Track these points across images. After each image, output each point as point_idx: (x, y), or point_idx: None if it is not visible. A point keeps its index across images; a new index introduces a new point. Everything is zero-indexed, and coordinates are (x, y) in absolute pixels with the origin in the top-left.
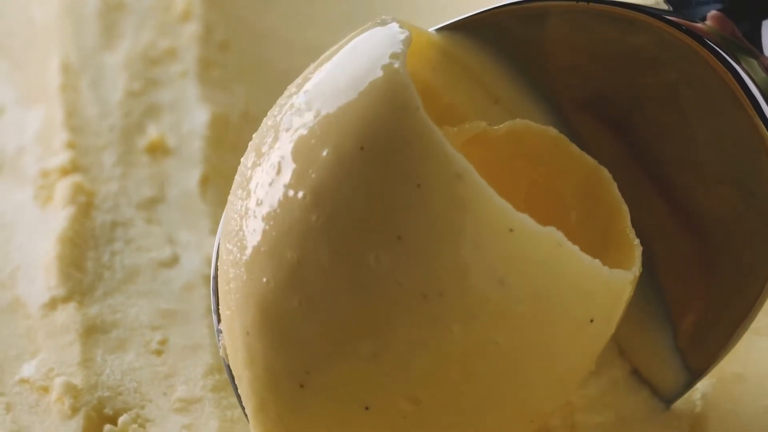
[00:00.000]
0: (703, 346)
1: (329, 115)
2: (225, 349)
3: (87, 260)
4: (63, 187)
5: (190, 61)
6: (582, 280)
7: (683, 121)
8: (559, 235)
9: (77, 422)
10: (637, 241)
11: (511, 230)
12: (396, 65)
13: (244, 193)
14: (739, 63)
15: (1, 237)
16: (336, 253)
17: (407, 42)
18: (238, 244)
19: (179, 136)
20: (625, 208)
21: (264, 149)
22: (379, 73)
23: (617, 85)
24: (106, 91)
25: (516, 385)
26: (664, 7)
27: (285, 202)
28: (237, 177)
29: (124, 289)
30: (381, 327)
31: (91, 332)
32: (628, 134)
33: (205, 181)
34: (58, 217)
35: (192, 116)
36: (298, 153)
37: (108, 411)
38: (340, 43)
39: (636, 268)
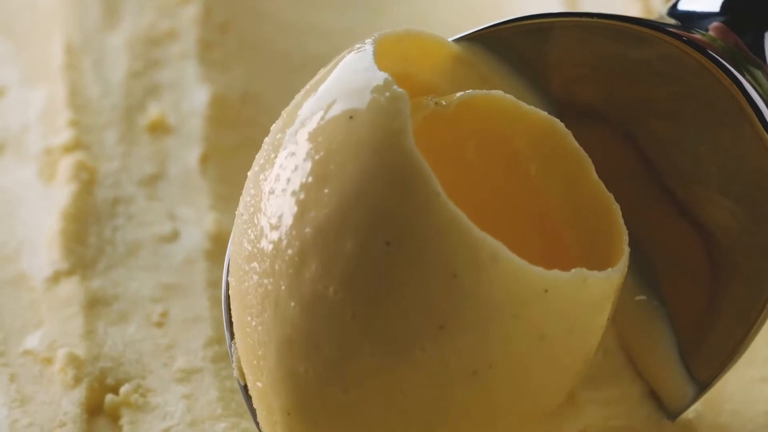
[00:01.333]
0: (709, 358)
1: (344, 201)
2: (240, 369)
3: (89, 235)
4: (66, 165)
5: (190, 41)
6: (605, 299)
7: (687, 135)
8: (584, 272)
9: (80, 392)
10: (611, 196)
11: (546, 291)
12: (406, 143)
13: (261, 270)
14: (743, 74)
15: (6, 213)
16: (379, 348)
17: (407, 104)
18: (264, 326)
19: (180, 115)
20: (587, 157)
21: (277, 230)
22: (391, 156)
23: (621, 98)
24: (108, 71)
25: (542, 400)
26: (668, 20)
27: (314, 295)
28: (245, 243)
29: (125, 263)
30: (434, 405)
31: (94, 305)
32: (633, 147)
33: (204, 159)
34: (61, 194)
35: (192, 96)
36: (318, 242)
37: (110, 381)
38: (322, 75)
39: (624, 240)
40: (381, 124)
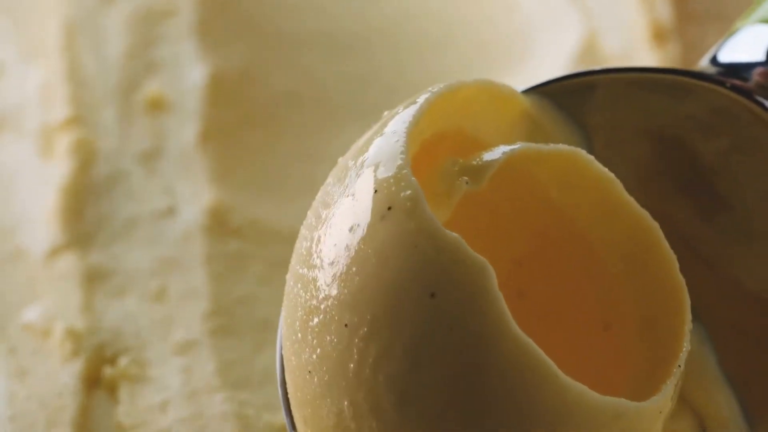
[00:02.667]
0: None
1: (458, 394)
2: None
3: (88, 211)
4: (64, 141)
5: (189, 19)
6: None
7: (740, 190)
8: (679, 371)
9: (78, 365)
10: (646, 213)
11: (660, 412)
12: (512, 329)
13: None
14: None
15: (4, 189)
16: None
17: (492, 274)
18: None
19: (178, 92)
20: (615, 179)
21: (376, 417)
22: (502, 349)
23: (672, 156)
24: (106, 48)
25: None
26: (711, 71)
27: None
28: (326, 415)
29: (123, 238)
30: None
31: (92, 279)
32: (687, 206)
33: (203, 136)
34: (60, 170)
35: (191, 73)
36: (390, 403)
37: (108, 354)
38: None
39: (675, 265)
40: (474, 310)
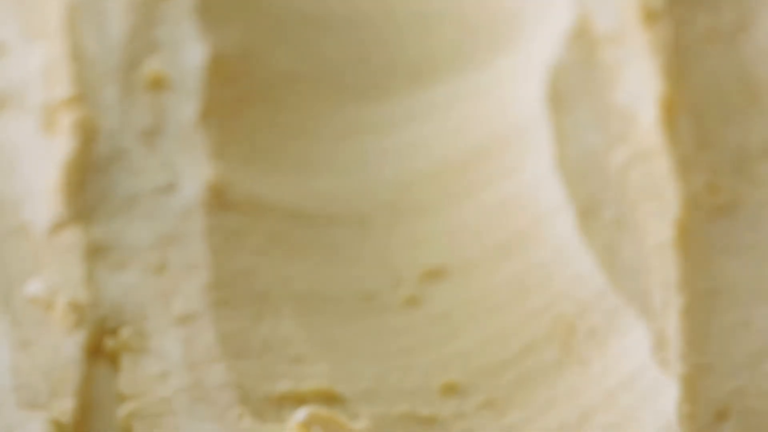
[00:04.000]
0: None
1: None
2: None
3: (89, 186)
4: (66, 119)
5: None
6: None
7: None
8: None
9: (80, 336)
10: None
11: None
12: None
13: None
14: None
15: (8, 166)
16: None
17: None
18: None
19: (179, 70)
20: None
21: None
22: None
23: None
24: (108, 28)
25: None
26: None
27: None
28: None
29: (125, 213)
30: None
31: (94, 253)
32: None
33: (203, 113)
34: (62, 147)
35: (191, 52)
36: None
37: (110, 325)
38: None
39: None
40: None
